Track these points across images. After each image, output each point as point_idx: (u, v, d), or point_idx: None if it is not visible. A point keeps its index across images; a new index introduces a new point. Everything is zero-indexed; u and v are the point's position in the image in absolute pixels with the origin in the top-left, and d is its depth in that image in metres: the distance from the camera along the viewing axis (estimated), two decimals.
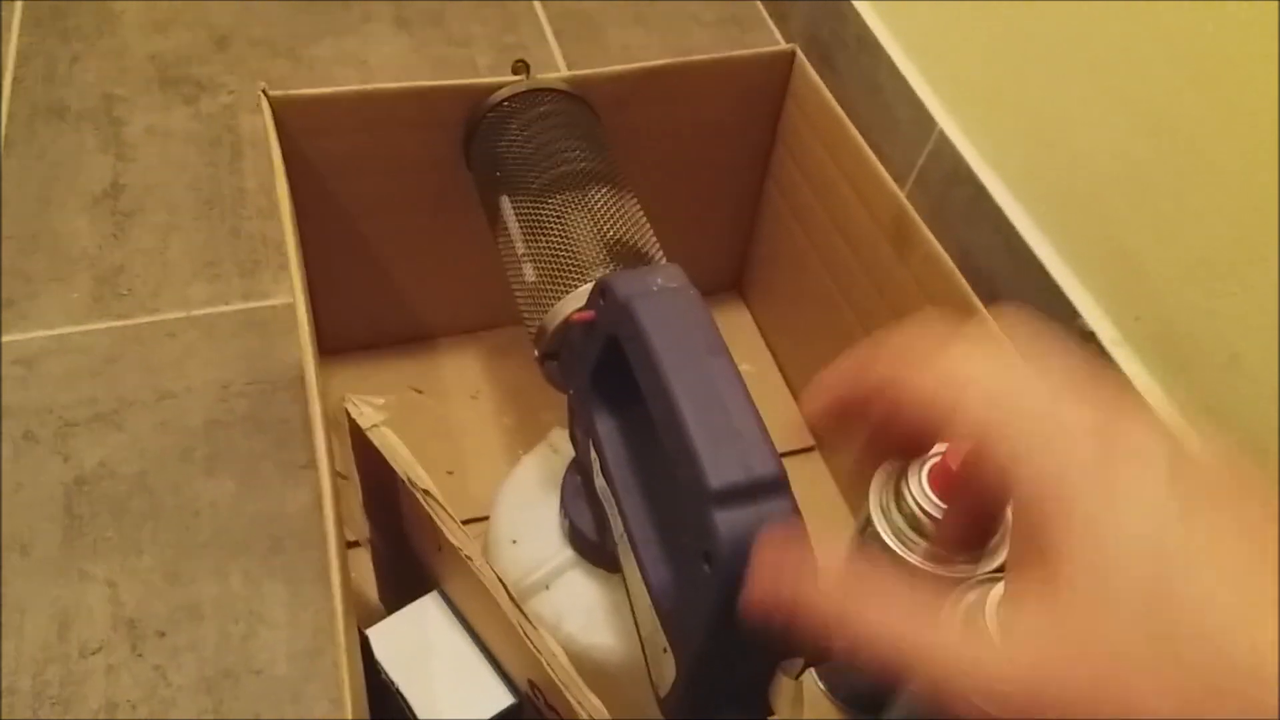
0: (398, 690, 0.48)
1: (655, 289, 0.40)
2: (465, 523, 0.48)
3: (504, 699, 0.48)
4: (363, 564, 0.61)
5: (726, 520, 0.32)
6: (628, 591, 0.45)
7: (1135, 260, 0.63)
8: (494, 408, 0.71)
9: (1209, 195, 0.58)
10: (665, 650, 0.39)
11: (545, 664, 0.44)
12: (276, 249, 0.79)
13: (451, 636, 0.49)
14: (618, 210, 0.54)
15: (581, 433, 0.48)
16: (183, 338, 0.74)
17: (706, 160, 0.71)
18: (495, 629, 0.48)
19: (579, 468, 0.50)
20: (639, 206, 0.56)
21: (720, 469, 0.33)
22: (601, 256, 0.52)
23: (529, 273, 0.54)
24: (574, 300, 0.50)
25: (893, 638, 0.22)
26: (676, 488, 0.35)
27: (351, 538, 0.62)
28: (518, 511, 0.54)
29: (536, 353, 0.52)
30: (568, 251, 0.53)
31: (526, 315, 0.54)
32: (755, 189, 0.74)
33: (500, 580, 0.46)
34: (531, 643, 0.45)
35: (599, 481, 0.46)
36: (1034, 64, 0.69)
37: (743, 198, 0.75)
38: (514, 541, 0.53)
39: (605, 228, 0.53)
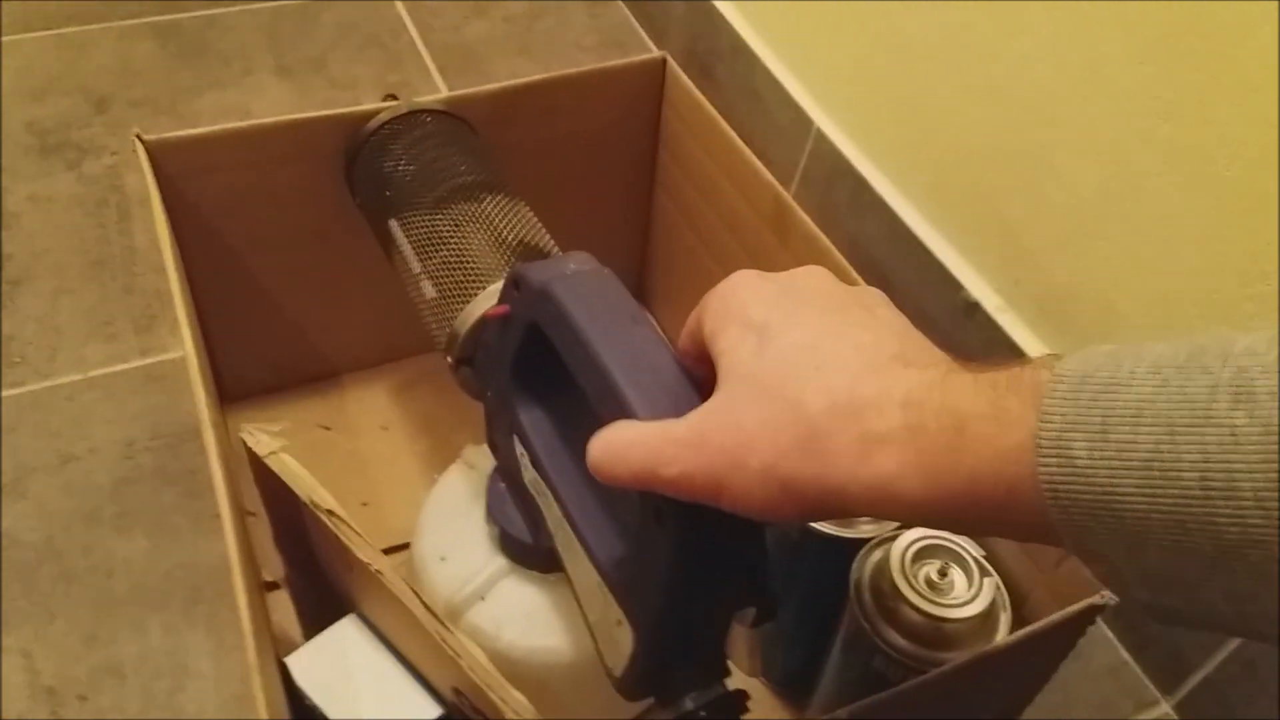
0: (323, 715, 0.47)
1: (570, 272, 0.40)
2: (386, 551, 0.48)
3: (430, 711, 0.47)
4: (283, 605, 0.60)
5: None
6: (570, 580, 0.45)
7: (1012, 230, 0.66)
8: (405, 437, 0.71)
9: (1072, 160, 0.60)
10: (620, 623, 0.39)
11: (466, 668, 0.44)
12: (170, 303, 0.78)
13: (372, 655, 0.49)
14: (512, 216, 0.55)
15: (504, 433, 0.48)
16: (81, 399, 0.73)
17: (593, 171, 0.72)
18: (414, 641, 0.48)
19: (503, 474, 0.50)
20: (532, 212, 0.56)
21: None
22: (502, 261, 0.53)
23: (428, 289, 0.55)
24: (484, 300, 0.50)
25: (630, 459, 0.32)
26: None
27: (270, 578, 0.62)
28: (442, 529, 0.54)
29: (450, 360, 0.52)
30: (468, 260, 0.53)
31: (435, 328, 0.54)
32: (645, 195, 0.76)
33: (413, 590, 0.46)
34: (450, 648, 0.45)
35: (529, 475, 0.46)
36: (902, 58, 0.72)
37: (633, 205, 0.76)
38: (442, 559, 0.53)
39: (503, 233, 0.54)
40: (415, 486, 0.68)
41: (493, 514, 0.51)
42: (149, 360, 0.75)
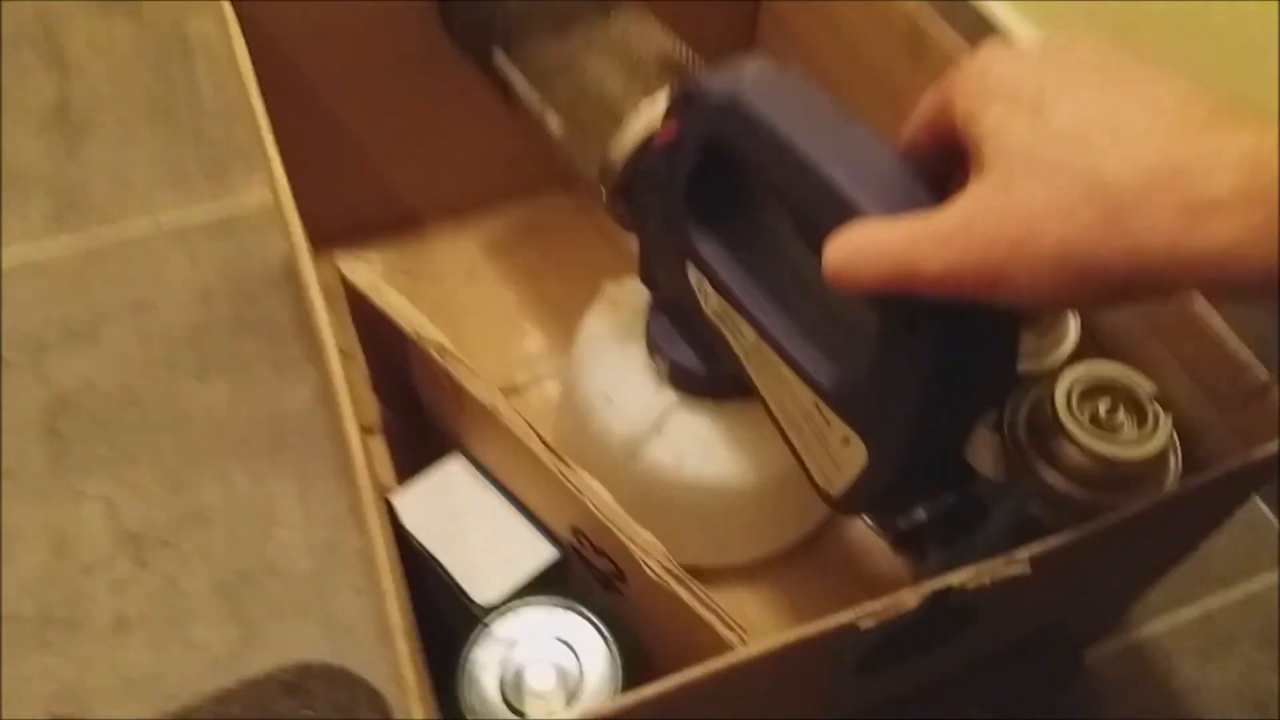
0: (431, 556, 0.44)
1: (752, 77, 0.37)
2: None
3: (546, 553, 0.44)
4: (378, 451, 0.57)
5: None
6: (768, 405, 0.43)
7: (1158, 55, 0.60)
8: (493, 285, 0.67)
9: None
10: (847, 441, 0.38)
11: (591, 505, 0.41)
12: (241, 151, 0.74)
13: (482, 495, 0.46)
14: (644, 30, 0.50)
15: (670, 264, 0.45)
16: (153, 248, 0.69)
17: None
18: (529, 480, 0.44)
19: (665, 306, 0.48)
20: (657, 21, 0.51)
21: None
22: (641, 82, 0.48)
23: (554, 123, 0.50)
24: (638, 124, 0.46)
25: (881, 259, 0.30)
26: None
27: (364, 424, 0.59)
28: (602, 369, 0.52)
29: (604, 192, 0.48)
30: (603, 85, 0.48)
31: (579, 161, 0.50)
32: (748, 20, 0.70)
33: (531, 427, 0.43)
34: (572, 484, 0.41)
35: (711, 303, 0.43)
36: None
37: (733, 30, 0.70)
38: (609, 399, 0.51)
39: (636, 50, 0.49)
40: (504, 335, 0.65)
41: (659, 347, 0.48)
42: (221, 208, 0.71)
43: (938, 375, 0.33)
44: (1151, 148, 0.26)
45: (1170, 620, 0.57)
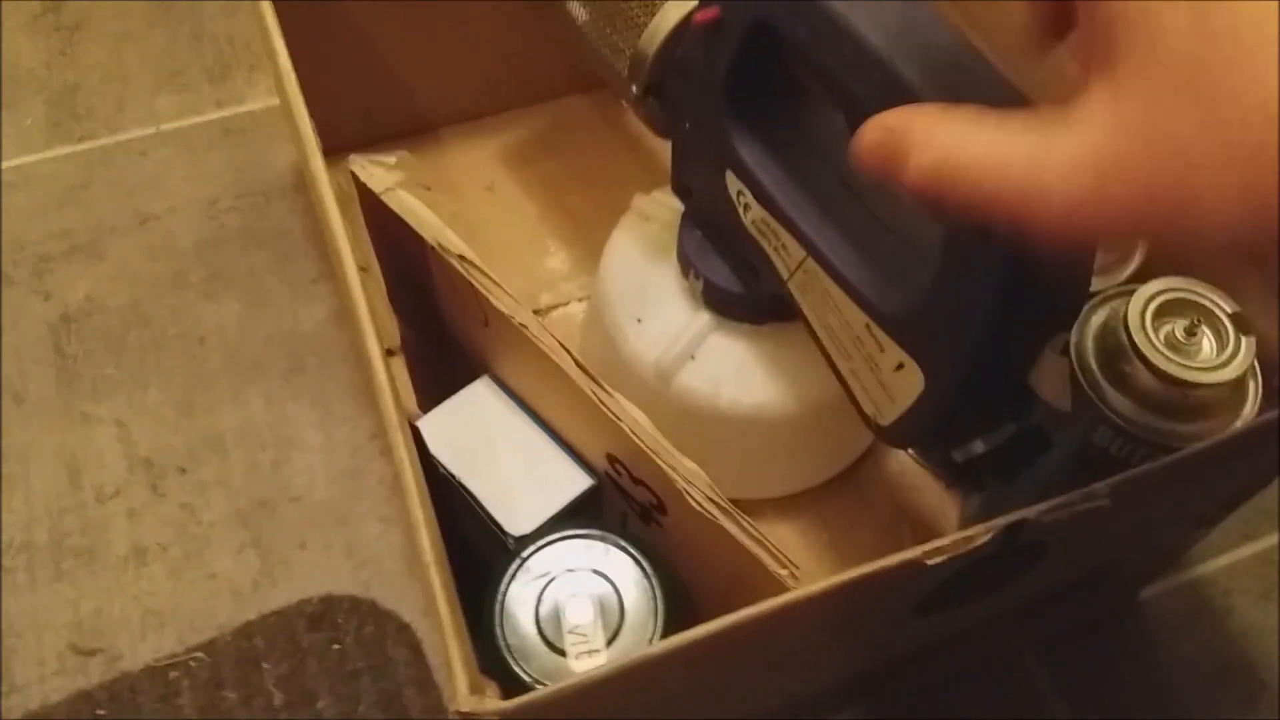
0: (460, 484, 0.42)
1: None
2: None
3: (581, 481, 0.42)
4: (398, 373, 0.54)
5: None
6: (813, 327, 0.40)
7: None
8: (513, 198, 0.64)
9: None
10: (901, 367, 0.35)
11: (629, 431, 0.38)
12: (246, 49, 0.70)
13: (511, 420, 0.44)
14: None
15: (708, 171, 0.42)
16: (156, 155, 0.66)
17: None
18: (562, 404, 0.42)
19: (699, 219, 0.45)
20: None
21: None
22: None
23: (578, 11, 0.46)
24: (673, 10, 0.42)
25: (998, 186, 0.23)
26: None
27: (386, 346, 0.56)
28: (631, 289, 0.49)
29: (633, 89, 0.44)
30: None
31: (606, 54, 0.45)
32: None
33: (564, 347, 0.40)
34: (609, 410, 0.39)
35: (752, 215, 0.40)
36: None
37: None
38: (639, 320, 0.47)
39: None
40: (527, 252, 0.62)
41: (693, 265, 0.45)
42: (225, 112, 0.68)
43: (1008, 294, 0.30)
44: None
45: (1229, 559, 0.54)
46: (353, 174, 0.44)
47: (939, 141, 0.24)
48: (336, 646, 0.48)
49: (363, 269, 0.49)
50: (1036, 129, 0.23)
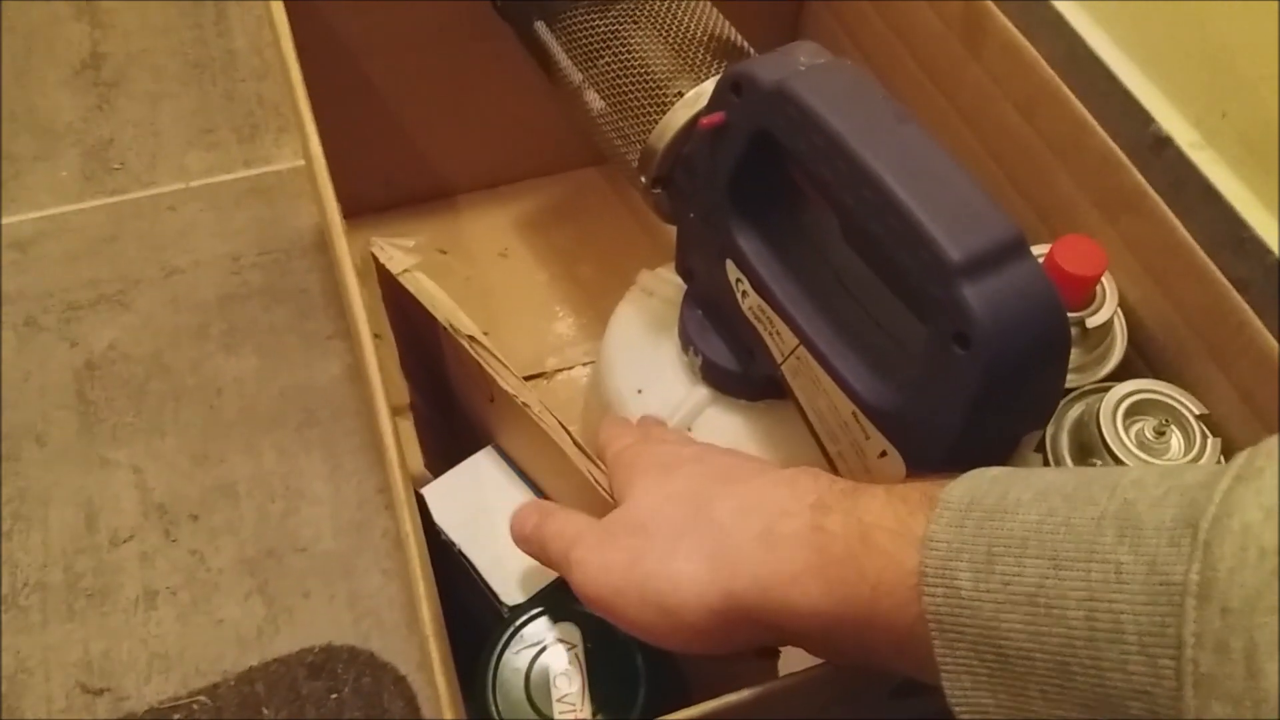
0: (459, 551, 0.44)
1: (805, 66, 0.35)
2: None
3: None
4: (405, 433, 0.57)
5: (979, 294, 0.31)
6: (803, 410, 0.42)
7: (1223, 55, 0.58)
8: (525, 265, 0.67)
9: None
10: (884, 455, 0.37)
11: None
12: (275, 111, 0.73)
13: (512, 491, 0.46)
14: (693, 8, 0.48)
15: (710, 257, 0.44)
16: (184, 210, 0.69)
17: None
18: (559, 479, 0.44)
19: (700, 301, 0.47)
20: (712, 4, 0.50)
21: (958, 240, 0.31)
22: (688, 62, 0.46)
23: (594, 101, 0.49)
24: (682, 110, 0.44)
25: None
26: (896, 274, 0.34)
27: (394, 406, 0.58)
28: (634, 360, 0.51)
29: (643, 180, 0.46)
30: (647, 64, 0.46)
31: (618, 143, 0.48)
32: (794, 10, 0.68)
33: (563, 425, 0.42)
34: (600, 485, 0.41)
35: (749, 302, 0.42)
36: None
37: (778, 14, 0.68)
38: (639, 391, 0.49)
39: (686, 28, 0.47)
40: (536, 316, 0.64)
41: (693, 342, 0.47)
42: (253, 171, 0.71)
43: (985, 395, 0.33)
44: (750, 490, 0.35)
45: None
46: (373, 256, 0.47)
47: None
48: (335, 696, 0.50)
49: (377, 336, 0.52)
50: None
